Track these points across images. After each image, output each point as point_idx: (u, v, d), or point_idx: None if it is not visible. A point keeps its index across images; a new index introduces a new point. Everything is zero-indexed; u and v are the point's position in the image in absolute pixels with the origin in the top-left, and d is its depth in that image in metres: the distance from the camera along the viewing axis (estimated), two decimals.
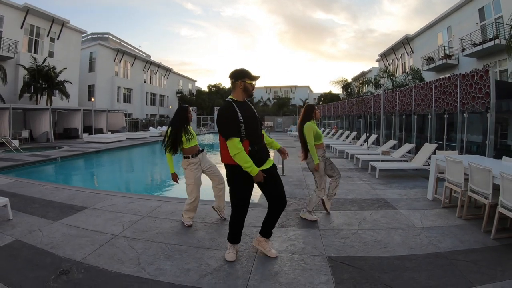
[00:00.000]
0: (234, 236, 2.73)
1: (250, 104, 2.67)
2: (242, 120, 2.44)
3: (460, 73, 6.85)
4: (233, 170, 2.53)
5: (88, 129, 19.80)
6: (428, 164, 6.87)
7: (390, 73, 19.70)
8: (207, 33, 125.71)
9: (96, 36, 39.08)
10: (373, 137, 11.37)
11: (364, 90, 23.58)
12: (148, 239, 3.18)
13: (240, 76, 2.55)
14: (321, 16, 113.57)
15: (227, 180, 2.65)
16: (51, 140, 16.85)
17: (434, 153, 6.03)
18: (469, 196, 3.81)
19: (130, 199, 4.74)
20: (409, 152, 8.17)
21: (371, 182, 6.01)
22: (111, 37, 42.26)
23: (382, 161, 7.64)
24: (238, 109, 2.47)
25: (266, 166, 2.60)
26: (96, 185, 7.83)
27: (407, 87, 9.62)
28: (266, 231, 2.77)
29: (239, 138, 2.41)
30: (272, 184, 2.64)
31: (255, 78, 2.58)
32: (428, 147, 6.86)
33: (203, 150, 3.72)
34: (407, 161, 7.78)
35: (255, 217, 3.82)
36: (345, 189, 5.43)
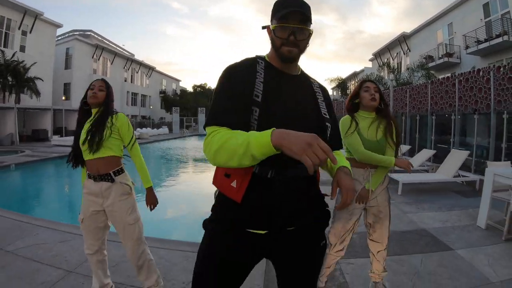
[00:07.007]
0: None
1: (305, 80, 1.16)
2: (258, 98, 0.99)
3: (494, 65, 5.66)
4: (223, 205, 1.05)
5: (60, 131, 18.01)
6: (459, 176, 5.65)
7: (392, 69, 18.49)
8: (193, 32, 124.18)
9: (78, 33, 36.60)
10: None
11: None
12: None
13: (271, 15, 1.07)
14: None
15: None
16: (16, 143, 15.14)
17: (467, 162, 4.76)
18: None
19: (63, 234, 3.24)
20: (428, 159, 6.90)
21: (396, 202, 4.66)
22: (93, 34, 39.76)
23: (399, 171, 6.36)
24: (262, 73, 1.05)
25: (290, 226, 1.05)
26: (39, 205, 6.01)
27: (421, 83, 8.43)
28: None
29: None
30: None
31: (285, 17, 0.99)
32: (457, 155, 5.61)
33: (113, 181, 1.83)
34: (427, 171, 6.53)
35: None
36: None
